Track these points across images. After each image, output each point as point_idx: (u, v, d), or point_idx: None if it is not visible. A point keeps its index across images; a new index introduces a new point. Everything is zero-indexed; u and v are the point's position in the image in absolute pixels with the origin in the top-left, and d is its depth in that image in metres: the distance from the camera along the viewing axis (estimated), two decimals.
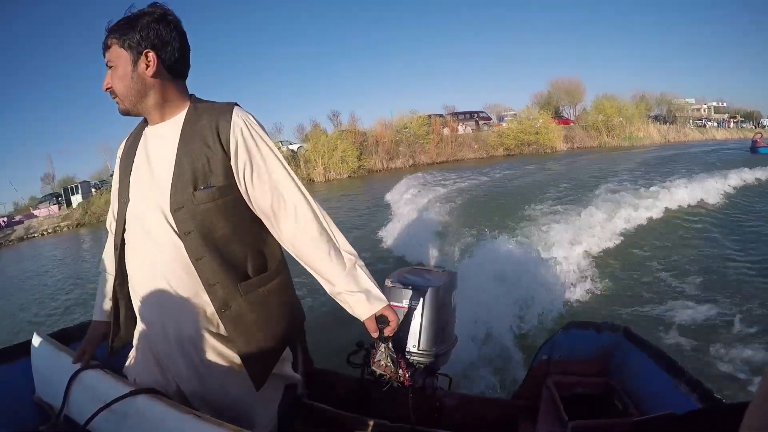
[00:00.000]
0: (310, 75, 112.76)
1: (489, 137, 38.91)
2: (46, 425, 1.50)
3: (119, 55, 1.43)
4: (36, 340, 1.84)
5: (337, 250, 1.53)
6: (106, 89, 1.47)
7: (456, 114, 44.29)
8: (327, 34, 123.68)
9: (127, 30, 1.42)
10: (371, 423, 2.02)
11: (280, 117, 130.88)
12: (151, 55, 1.43)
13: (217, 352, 1.48)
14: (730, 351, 4.00)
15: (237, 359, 1.49)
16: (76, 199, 36.10)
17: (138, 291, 1.50)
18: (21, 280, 14.74)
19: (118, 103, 1.47)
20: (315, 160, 35.03)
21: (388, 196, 14.52)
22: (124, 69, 1.43)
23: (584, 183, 13.95)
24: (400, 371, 2.11)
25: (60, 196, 38.18)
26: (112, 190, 1.65)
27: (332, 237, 1.53)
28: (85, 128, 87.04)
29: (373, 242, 9.30)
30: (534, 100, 52.42)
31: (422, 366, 2.19)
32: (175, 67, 1.48)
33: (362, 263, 1.56)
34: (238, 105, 1.51)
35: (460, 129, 40.83)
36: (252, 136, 1.47)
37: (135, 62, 1.43)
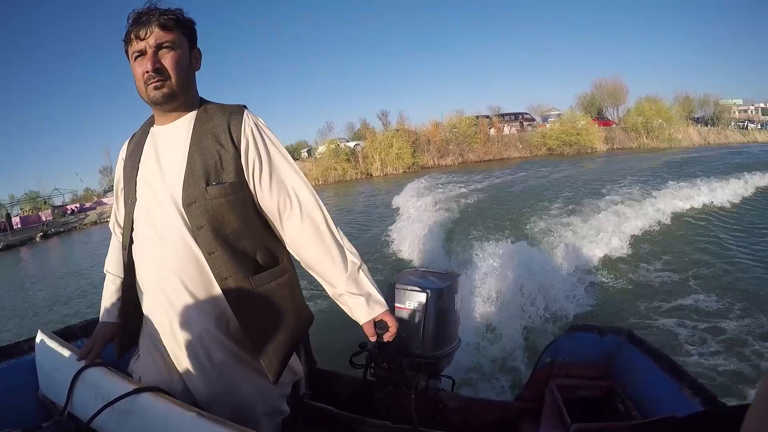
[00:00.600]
0: (360, 75, 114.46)
1: (533, 137, 39.94)
2: (50, 422, 1.49)
3: (181, 41, 1.45)
4: (40, 337, 1.84)
5: (340, 253, 1.53)
6: (157, 68, 1.41)
7: (502, 115, 45.82)
8: (375, 35, 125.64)
9: (187, 22, 1.47)
10: (374, 424, 2.02)
11: (331, 116, 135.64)
12: (199, 53, 1.53)
13: (225, 348, 1.48)
14: (735, 355, 3.98)
15: (244, 356, 1.49)
16: None
17: (147, 290, 1.50)
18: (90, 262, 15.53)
19: (161, 86, 1.43)
20: (372, 156, 37.72)
21: (397, 199, 14.50)
22: (185, 56, 1.46)
23: (598, 185, 13.87)
24: (403, 373, 2.13)
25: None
26: (116, 193, 1.66)
27: (336, 239, 1.54)
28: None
29: (381, 244, 9.32)
30: (578, 101, 53.22)
31: (425, 368, 2.21)
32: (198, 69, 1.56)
33: (365, 267, 1.56)
34: (246, 107, 1.53)
35: (506, 129, 42.18)
36: (262, 136, 1.50)
37: (191, 54, 1.49)
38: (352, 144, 40.81)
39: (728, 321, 4.67)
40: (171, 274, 1.42)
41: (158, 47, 1.41)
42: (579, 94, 54.72)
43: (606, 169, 19.86)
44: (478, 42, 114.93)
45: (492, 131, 40.34)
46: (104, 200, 41.55)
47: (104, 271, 1.74)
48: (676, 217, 9.28)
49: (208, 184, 1.42)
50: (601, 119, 46.58)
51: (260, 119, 1.53)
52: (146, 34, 1.40)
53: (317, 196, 1.55)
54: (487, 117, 43.39)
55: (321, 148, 42.15)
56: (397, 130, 40.55)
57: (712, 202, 10.34)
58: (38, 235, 28.85)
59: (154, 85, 1.42)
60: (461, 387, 3.21)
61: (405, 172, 35.52)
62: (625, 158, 26.42)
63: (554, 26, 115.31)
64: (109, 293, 1.71)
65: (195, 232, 1.41)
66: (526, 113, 48.07)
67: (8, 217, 33.21)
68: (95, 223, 33.67)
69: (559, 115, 44.27)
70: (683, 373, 1.65)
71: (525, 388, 2.31)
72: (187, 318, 1.44)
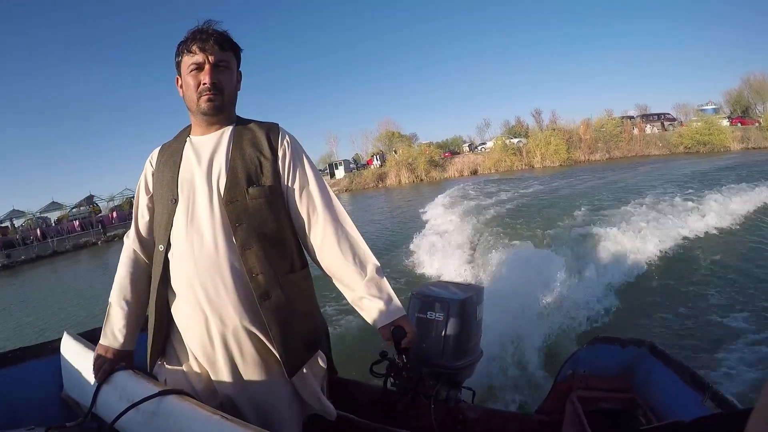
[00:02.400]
0: (514, 74, 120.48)
1: (671, 137, 42.53)
2: (74, 422, 1.54)
3: (233, 62, 1.65)
4: (66, 339, 1.94)
5: (361, 259, 1.64)
6: (214, 83, 1.58)
7: (644, 116, 50.41)
8: (531, 36, 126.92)
9: (237, 47, 1.66)
10: None
11: (487, 113, 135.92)
12: (241, 76, 1.71)
13: (256, 343, 1.57)
14: (760, 366, 3.82)
15: (271, 352, 1.58)
16: (339, 172, 52.01)
17: (182, 289, 1.57)
18: None
19: (214, 99, 1.59)
20: (534, 151, 44.23)
21: (428, 209, 14.67)
22: (234, 75, 1.66)
23: (635, 190, 13.56)
24: (423, 383, 2.18)
25: (324, 169, 53.69)
26: (141, 199, 1.73)
27: (357, 245, 1.65)
28: (313, 117, 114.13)
29: (411, 254, 9.32)
30: (725, 97, 54.03)
31: (446, 378, 2.22)
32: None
33: (383, 274, 1.65)
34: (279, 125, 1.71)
35: (648, 129, 46.30)
36: (296, 150, 1.68)
37: (237, 75, 1.68)
38: (515, 140, 48.48)
39: (756, 334, 4.47)
40: (210, 269, 1.51)
41: (215, 64, 1.57)
42: (726, 90, 54.77)
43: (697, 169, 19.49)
44: (625, 39, 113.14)
45: (635, 131, 44.48)
46: None
47: (112, 298, 1.71)
48: (724, 226, 8.83)
49: (248, 186, 1.55)
50: (746, 117, 47.12)
51: (293, 136, 1.70)
52: (207, 50, 1.56)
53: (340, 204, 1.69)
54: (631, 118, 48.28)
55: (489, 144, 52.32)
56: (553, 129, 47.38)
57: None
58: None
59: (208, 97, 1.58)
60: (482, 399, 3.19)
61: (561, 165, 41.18)
62: (735, 158, 26.18)
63: (706, 19, 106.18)
64: (122, 317, 1.68)
65: (234, 227, 1.52)
66: (668, 113, 51.66)
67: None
68: None
69: (701, 112, 46.22)
70: (705, 384, 1.61)
71: (546, 400, 2.28)
72: (223, 312, 1.52)
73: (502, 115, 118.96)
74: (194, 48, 1.56)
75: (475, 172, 45.68)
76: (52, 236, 33.19)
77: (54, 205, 40.83)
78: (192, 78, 1.58)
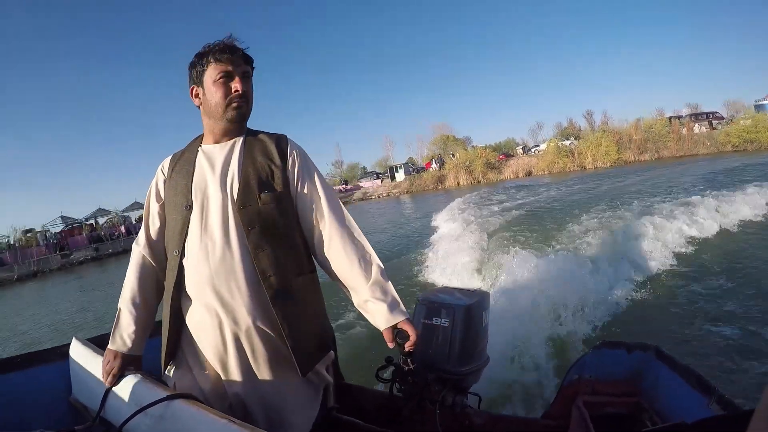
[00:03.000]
0: (567, 76, 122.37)
1: (719, 136, 42.29)
2: (82, 426, 1.57)
3: (251, 75, 1.75)
4: (75, 344, 1.97)
5: (365, 262, 1.69)
6: (245, 92, 1.70)
7: (692, 115, 50.86)
8: (584, 34, 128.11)
9: (253, 63, 1.77)
10: None
11: (539, 115, 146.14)
12: None
13: (267, 344, 1.61)
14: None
15: (282, 354, 1.62)
16: (399, 175, 56.21)
17: (197, 293, 1.62)
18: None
19: (242, 107, 1.70)
20: (585, 152, 45.81)
21: (437, 217, 14.57)
22: (252, 88, 1.77)
23: (648, 193, 13.46)
24: (429, 388, 2.18)
25: (379, 173, 62.52)
26: (152, 206, 1.80)
27: (362, 250, 1.71)
28: (367, 123, 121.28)
29: (418, 260, 9.34)
30: None
31: (452, 384, 2.21)
32: None
33: (388, 277, 1.69)
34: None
35: (696, 128, 46.46)
36: (304, 159, 1.76)
37: None
38: (567, 142, 49.98)
39: (764, 338, 4.38)
40: (224, 271, 1.57)
41: (244, 75, 1.68)
42: None
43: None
44: (677, 37, 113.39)
45: (684, 131, 45.09)
46: (360, 183, 61.19)
47: (122, 304, 1.75)
48: (734, 228, 8.66)
49: (260, 192, 1.62)
50: None
51: (300, 146, 1.78)
52: (235, 61, 1.66)
53: (346, 210, 1.75)
54: (680, 117, 49.60)
55: (542, 146, 54.41)
56: (603, 131, 49.39)
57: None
58: None
59: (238, 104, 1.67)
60: (488, 404, 3.17)
61: (611, 165, 42.52)
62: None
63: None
64: (131, 323, 1.72)
65: (247, 231, 1.58)
66: (716, 112, 51.37)
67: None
68: (362, 199, 51.07)
69: (755, 108, 46.22)
70: (711, 387, 1.61)
71: (552, 405, 2.27)
72: (237, 313, 1.56)
73: (555, 117, 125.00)
74: (224, 58, 1.65)
75: (529, 174, 47.51)
76: (136, 232, 36.21)
77: (136, 205, 45.52)
78: (219, 86, 1.66)
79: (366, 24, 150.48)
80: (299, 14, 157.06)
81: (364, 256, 1.70)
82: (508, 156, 57.39)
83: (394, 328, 1.64)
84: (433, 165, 55.39)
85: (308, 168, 1.76)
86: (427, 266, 8.56)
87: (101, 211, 45.60)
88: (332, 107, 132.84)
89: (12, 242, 38.55)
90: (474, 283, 6.79)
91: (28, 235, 40.19)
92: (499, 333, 4.13)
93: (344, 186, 60.35)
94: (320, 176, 1.78)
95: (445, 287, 2.60)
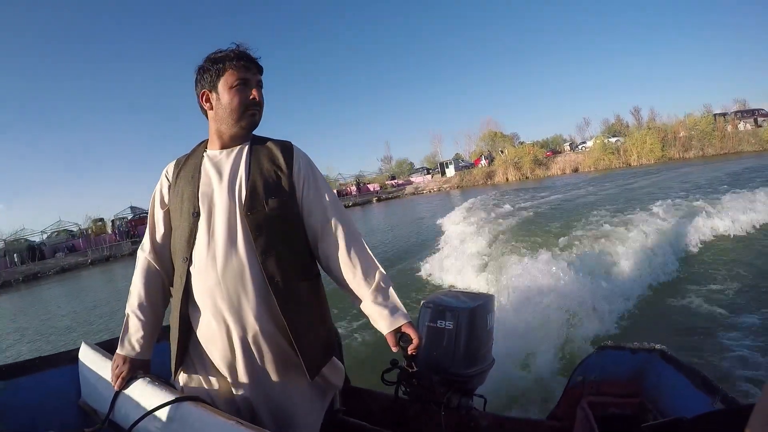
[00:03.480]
0: (615, 72, 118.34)
1: (763, 133, 42.69)
2: (91, 429, 1.59)
3: (263, 85, 1.77)
4: (84, 349, 2.01)
5: (368, 267, 1.72)
6: (261, 100, 1.74)
7: (737, 113, 50.71)
8: (628, 32, 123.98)
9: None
10: None
11: (587, 111, 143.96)
12: None
13: (275, 348, 1.63)
14: None
15: (289, 357, 1.64)
16: (450, 171, 58.21)
17: (205, 298, 1.62)
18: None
19: (256, 115, 1.74)
20: (630, 150, 46.97)
21: (443, 220, 14.56)
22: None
23: (669, 190, 13.49)
24: (434, 390, 2.18)
25: (429, 169, 65.60)
26: (156, 212, 1.81)
27: (364, 254, 1.73)
28: (415, 119, 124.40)
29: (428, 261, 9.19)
30: None
31: (457, 386, 2.22)
32: None
33: (389, 282, 1.73)
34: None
35: (741, 126, 46.66)
36: (310, 165, 1.78)
37: None
38: (614, 140, 51.02)
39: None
40: (232, 276, 1.58)
41: (259, 84, 1.71)
42: None
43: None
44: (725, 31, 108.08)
45: (729, 128, 45.53)
46: (411, 178, 63.85)
47: (129, 309, 1.77)
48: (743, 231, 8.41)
49: (267, 198, 1.63)
50: None
51: (305, 153, 1.81)
52: (251, 69, 1.70)
53: (349, 215, 1.77)
54: (725, 115, 49.78)
55: (589, 143, 55.87)
56: (649, 128, 50.26)
57: None
58: (374, 199, 49.73)
59: (253, 112, 1.70)
60: (494, 406, 3.09)
61: (655, 162, 43.83)
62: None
63: None
64: (140, 328, 1.74)
65: (255, 236, 1.59)
66: (761, 109, 50.66)
67: None
68: (413, 193, 52.29)
69: None
70: (716, 388, 1.61)
71: (557, 406, 2.27)
72: (245, 318, 1.57)
73: (602, 113, 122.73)
74: (242, 65, 1.68)
75: (576, 170, 48.39)
76: None
77: None
78: (236, 93, 1.68)
79: (414, 20, 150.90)
80: (346, 11, 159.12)
81: (366, 262, 1.72)
82: (555, 153, 58.08)
83: (397, 331, 1.67)
84: (482, 161, 56.64)
85: (314, 175, 1.77)
86: (432, 269, 8.52)
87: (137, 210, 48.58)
88: (381, 104, 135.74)
89: (83, 230, 44.48)
90: (479, 285, 6.81)
91: (99, 223, 46.07)
92: (505, 335, 4.16)
93: (395, 181, 64.34)
94: (325, 183, 1.80)
95: (450, 290, 2.60)
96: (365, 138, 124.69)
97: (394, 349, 1.70)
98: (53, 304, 16.80)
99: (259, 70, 1.73)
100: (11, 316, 15.74)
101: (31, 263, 34.92)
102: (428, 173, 63.71)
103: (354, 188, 59.89)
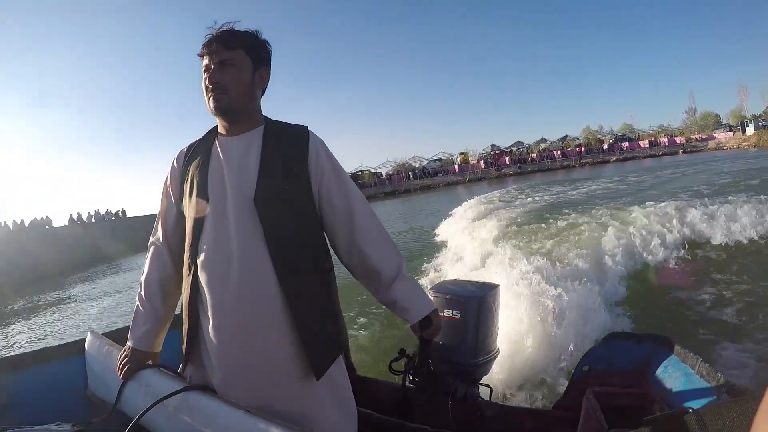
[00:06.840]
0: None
1: None
2: (99, 418, 1.61)
3: (243, 60, 1.62)
4: (90, 339, 2.01)
5: (391, 256, 1.69)
6: (216, 83, 1.59)
7: None
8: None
9: (257, 43, 1.67)
10: (414, 429, 2.07)
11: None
12: (266, 73, 1.71)
13: (284, 341, 1.57)
14: None
15: (301, 353, 1.57)
16: (750, 129, 55.61)
17: (213, 288, 1.58)
18: None
19: (218, 99, 1.59)
20: None
21: (452, 215, 14.72)
22: (246, 74, 1.63)
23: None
24: (441, 380, 2.20)
25: (732, 126, 63.10)
26: (166, 199, 1.77)
27: (389, 243, 1.71)
28: (721, 69, 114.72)
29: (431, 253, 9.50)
30: None
31: (463, 375, 2.24)
32: (265, 89, 1.74)
33: (407, 271, 1.71)
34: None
35: None
36: (327, 152, 1.70)
37: (254, 72, 1.66)
38: None
39: None
40: (241, 267, 1.53)
41: (221, 63, 1.59)
42: None
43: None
44: None
45: None
46: (714, 134, 61.87)
47: (141, 301, 1.76)
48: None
49: (280, 186, 1.57)
50: None
51: (321, 138, 1.73)
52: (211, 51, 1.60)
53: (369, 204, 1.72)
54: None
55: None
56: None
57: None
58: (680, 151, 55.14)
59: (212, 96, 1.60)
60: (499, 395, 3.19)
61: None
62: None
63: None
64: (148, 320, 1.74)
65: (264, 225, 1.54)
66: None
67: None
68: (715, 149, 52.21)
69: None
70: (722, 378, 1.61)
71: (562, 396, 2.27)
72: (254, 311, 1.52)
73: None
74: (202, 51, 1.62)
75: None
76: (552, 158, 62.88)
77: (542, 141, 69.99)
78: (203, 81, 1.61)
79: None
80: None
81: (387, 251, 1.69)
82: None
83: (424, 319, 1.67)
84: None
85: (329, 162, 1.69)
86: (441, 263, 8.56)
87: (517, 143, 69.11)
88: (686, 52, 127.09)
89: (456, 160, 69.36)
90: (488, 275, 6.65)
91: (462, 155, 69.22)
92: (510, 325, 4.21)
93: (699, 135, 63.71)
94: (341, 170, 1.72)
95: (457, 279, 2.59)
96: (665, 89, 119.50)
97: (422, 336, 1.71)
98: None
99: (228, 45, 1.61)
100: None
101: (425, 179, 61.20)
102: (731, 130, 60.66)
103: (665, 139, 64.04)
